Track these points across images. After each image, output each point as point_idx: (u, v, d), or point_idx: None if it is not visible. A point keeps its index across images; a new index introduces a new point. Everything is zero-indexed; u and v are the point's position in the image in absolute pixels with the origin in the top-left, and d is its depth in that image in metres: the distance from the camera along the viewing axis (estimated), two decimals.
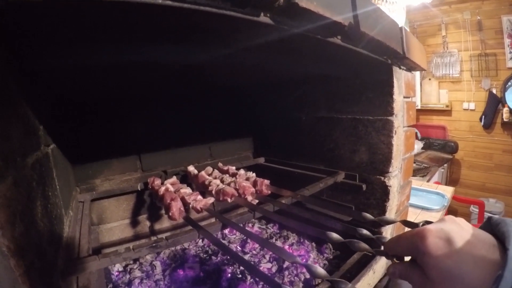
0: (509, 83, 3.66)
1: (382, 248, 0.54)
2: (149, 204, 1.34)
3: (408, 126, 1.19)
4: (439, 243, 0.39)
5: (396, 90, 1.05)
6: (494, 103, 3.80)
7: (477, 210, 3.38)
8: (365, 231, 0.63)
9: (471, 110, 4.05)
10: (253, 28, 0.53)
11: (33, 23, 0.41)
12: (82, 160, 1.17)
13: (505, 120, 3.72)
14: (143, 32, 0.55)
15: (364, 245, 0.56)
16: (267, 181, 1.07)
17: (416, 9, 3.91)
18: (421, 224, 0.60)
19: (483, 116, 3.91)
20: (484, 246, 0.38)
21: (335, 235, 0.61)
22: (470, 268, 0.36)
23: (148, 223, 1.37)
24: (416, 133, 4.17)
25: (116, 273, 1.18)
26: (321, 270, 0.50)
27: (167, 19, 0.47)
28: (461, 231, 0.40)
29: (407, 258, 0.49)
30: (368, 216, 0.71)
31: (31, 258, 0.44)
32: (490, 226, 0.41)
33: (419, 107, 4.34)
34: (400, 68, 1.08)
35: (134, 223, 1.32)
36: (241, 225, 1.04)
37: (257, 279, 1.10)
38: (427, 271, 0.40)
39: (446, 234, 0.39)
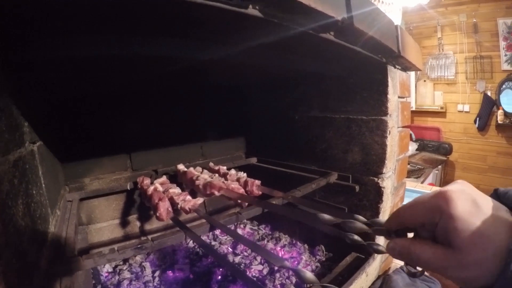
0: (504, 86, 3.69)
1: (379, 248, 0.50)
2: (139, 204, 1.32)
3: (403, 127, 1.18)
4: (466, 204, 0.36)
5: (390, 89, 1.04)
6: (489, 105, 3.82)
7: None
8: (356, 237, 0.61)
9: (466, 112, 4.08)
10: (243, 21, 0.52)
11: (20, 11, 0.40)
12: (71, 159, 1.15)
13: (499, 122, 3.75)
14: (131, 25, 0.53)
15: (360, 225, 0.52)
16: (258, 182, 1.06)
17: (413, 11, 3.93)
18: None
19: (478, 118, 3.94)
20: (502, 209, 0.36)
21: (327, 216, 0.58)
22: (498, 229, 0.34)
23: (138, 224, 1.34)
24: (410, 134, 4.19)
25: (105, 274, 1.16)
26: (309, 275, 0.48)
27: (153, 11, 0.45)
28: (480, 194, 0.37)
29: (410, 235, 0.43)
30: (360, 218, 0.70)
31: (9, 258, 0.43)
32: (497, 196, 0.40)
33: (413, 109, 4.37)
34: (395, 67, 1.07)
35: (124, 223, 1.30)
36: (232, 226, 1.02)
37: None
38: (454, 237, 0.35)
39: (471, 196, 0.36)
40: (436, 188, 2.60)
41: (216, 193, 0.94)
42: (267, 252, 0.64)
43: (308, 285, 0.99)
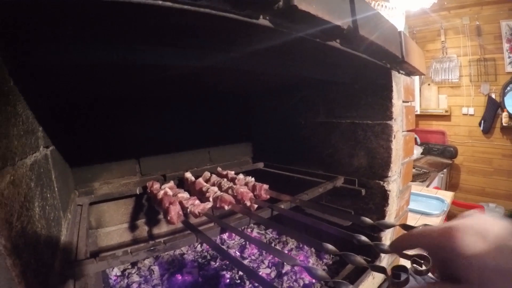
0: (508, 88, 3.68)
1: (386, 248, 0.52)
2: (147, 208, 1.33)
3: (407, 131, 1.19)
4: (474, 240, 0.34)
5: (395, 94, 1.05)
6: (493, 107, 3.81)
7: None
8: (363, 238, 0.62)
9: (470, 115, 4.07)
10: (252, 31, 0.53)
11: (32, 19, 0.41)
12: (81, 163, 1.17)
13: (504, 124, 3.73)
14: (143, 34, 0.55)
15: (359, 259, 0.53)
16: (266, 186, 1.07)
17: (415, 15, 3.93)
18: (420, 227, 0.59)
19: (483, 121, 3.93)
20: None
21: (330, 247, 0.59)
22: None
23: (146, 228, 1.36)
24: (415, 138, 4.18)
25: (114, 278, 1.17)
26: (321, 272, 0.50)
27: (167, 21, 0.47)
28: (491, 225, 0.35)
29: (409, 251, 0.45)
30: (367, 220, 0.71)
31: (28, 259, 0.44)
32: None
33: (418, 112, 4.36)
34: (399, 72, 1.08)
35: (133, 227, 1.32)
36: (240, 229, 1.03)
37: (256, 285, 1.10)
38: (467, 274, 0.34)
39: (478, 230, 0.35)
40: (442, 192, 2.61)
41: (226, 207, 0.95)
42: (280, 252, 0.65)
43: (317, 287, 1.01)
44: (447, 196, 2.41)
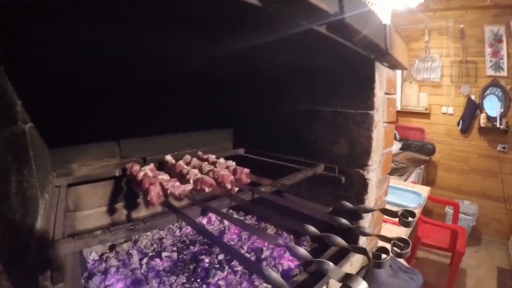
0: (488, 91, 3.79)
1: (366, 231, 0.53)
2: (126, 191, 1.31)
3: (388, 122, 1.21)
4: None
5: (377, 85, 1.07)
6: (472, 108, 3.92)
7: (452, 211, 3.48)
8: (343, 220, 0.63)
9: (450, 114, 4.16)
10: (238, 8, 0.53)
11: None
12: (60, 144, 1.13)
13: (482, 125, 3.84)
14: (123, 12, 0.54)
15: (340, 240, 0.55)
16: (247, 170, 1.07)
17: (401, 13, 3.97)
18: (399, 212, 0.61)
19: (461, 121, 4.02)
20: None
21: (311, 228, 0.60)
22: None
23: (125, 211, 1.34)
24: (394, 133, 4.25)
25: (92, 262, 1.16)
26: (303, 251, 0.50)
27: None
28: None
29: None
30: (347, 204, 0.72)
31: (2, 236, 0.43)
32: None
33: (399, 109, 4.43)
34: (382, 64, 1.09)
35: (111, 210, 1.30)
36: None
37: (235, 269, 1.10)
38: None
39: None
40: (419, 186, 2.67)
41: (207, 189, 0.94)
42: (262, 231, 0.66)
43: (296, 271, 1.02)
44: (424, 190, 2.47)
